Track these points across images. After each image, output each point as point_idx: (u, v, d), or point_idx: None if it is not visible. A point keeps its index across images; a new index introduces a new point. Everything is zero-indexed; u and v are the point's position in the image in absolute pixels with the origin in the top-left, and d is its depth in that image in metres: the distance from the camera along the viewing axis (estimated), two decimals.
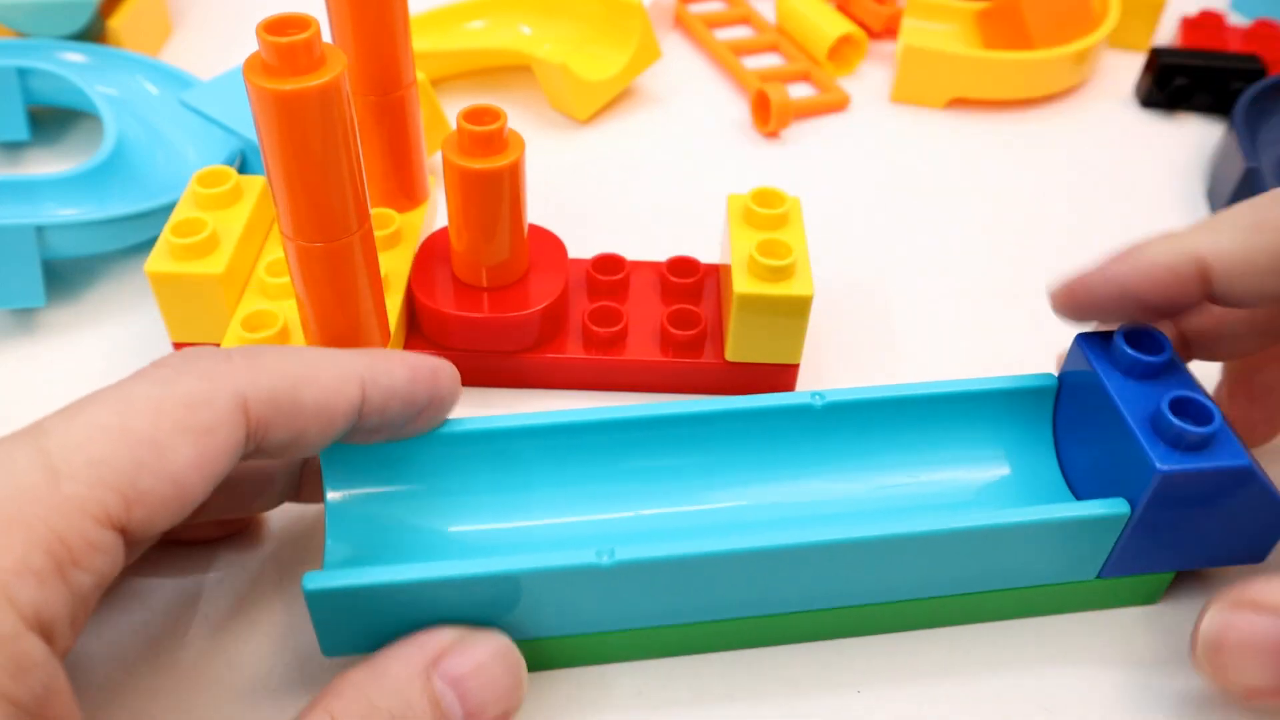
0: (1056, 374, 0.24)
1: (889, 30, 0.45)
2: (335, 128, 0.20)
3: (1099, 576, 0.23)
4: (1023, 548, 0.21)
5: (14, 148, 0.37)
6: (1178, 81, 0.41)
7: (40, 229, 0.28)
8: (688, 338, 0.28)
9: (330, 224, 0.22)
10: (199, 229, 0.26)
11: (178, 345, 0.27)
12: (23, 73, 0.35)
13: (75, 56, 0.37)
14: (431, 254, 0.29)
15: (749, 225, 0.28)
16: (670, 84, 0.43)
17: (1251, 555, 0.22)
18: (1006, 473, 0.24)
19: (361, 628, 0.19)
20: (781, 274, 0.26)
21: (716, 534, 0.20)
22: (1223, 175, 0.36)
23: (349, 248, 0.22)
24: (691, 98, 0.42)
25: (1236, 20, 0.48)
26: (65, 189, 0.31)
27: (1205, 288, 0.21)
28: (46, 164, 0.37)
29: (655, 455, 0.23)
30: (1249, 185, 0.35)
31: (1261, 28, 0.44)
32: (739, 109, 0.41)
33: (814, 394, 0.23)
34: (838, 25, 0.42)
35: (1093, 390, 0.22)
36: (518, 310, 0.27)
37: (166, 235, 0.26)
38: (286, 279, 0.26)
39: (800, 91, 0.42)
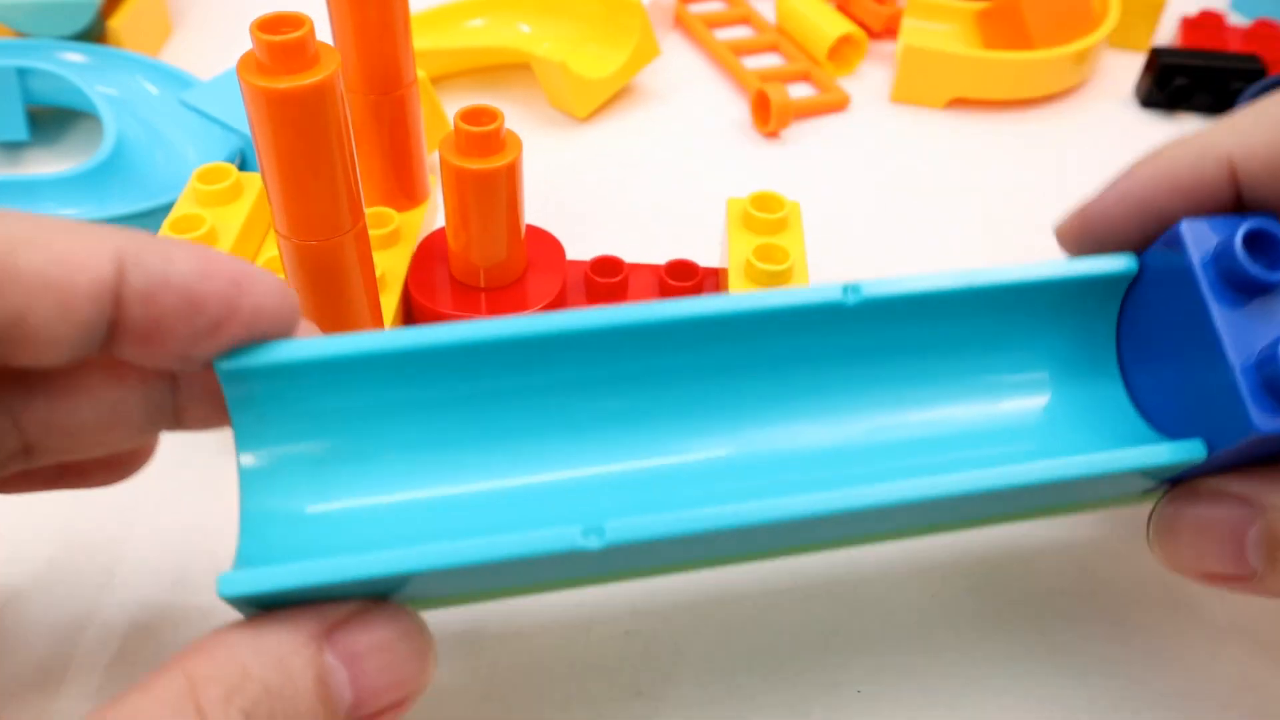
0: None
1: (889, 30, 0.45)
2: (328, 126, 0.20)
3: (1146, 492, 0.20)
4: (1079, 489, 0.19)
5: (14, 148, 0.37)
6: (1178, 81, 0.41)
7: None
8: (686, 287, 0.28)
9: (323, 222, 0.22)
10: (197, 225, 0.26)
11: None
12: (22, 73, 0.35)
13: (75, 56, 0.37)
14: (430, 253, 0.29)
15: (747, 230, 0.28)
16: (670, 83, 0.43)
17: None
18: (1061, 388, 0.21)
19: None
20: (778, 279, 0.26)
21: (716, 486, 0.18)
22: None
23: (342, 246, 0.22)
24: (691, 97, 0.42)
25: (1237, 20, 0.48)
26: (65, 189, 0.31)
27: (1234, 191, 0.18)
28: (46, 164, 0.37)
29: (637, 378, 0.19)
30: None
31: (1261, 28, 0.44)
32: (739, 109, 0.41)
33: (845, 287, 0.19)
34: (838, 25, 0.42)
35: (1182, 294, 0.18)
36: (514, 311, 0.27)
37: (165, 231, 0.26)
38: (283, 277, 0.26)
39: (800, 91, 0.42)
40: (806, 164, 0.39)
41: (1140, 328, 0.20)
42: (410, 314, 0.28)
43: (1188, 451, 0.18)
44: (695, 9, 0.47)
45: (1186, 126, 0.41)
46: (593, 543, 0.16)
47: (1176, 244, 0.18)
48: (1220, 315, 0.17)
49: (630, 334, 0.18)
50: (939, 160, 0.39)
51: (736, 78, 0.42)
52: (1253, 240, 0.17)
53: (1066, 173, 0.39)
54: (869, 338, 0.19)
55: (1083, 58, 0.41)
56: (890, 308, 0.19)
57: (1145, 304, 0.20)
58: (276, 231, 0.22)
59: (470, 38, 0.43)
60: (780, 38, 0.45)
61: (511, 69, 0.42)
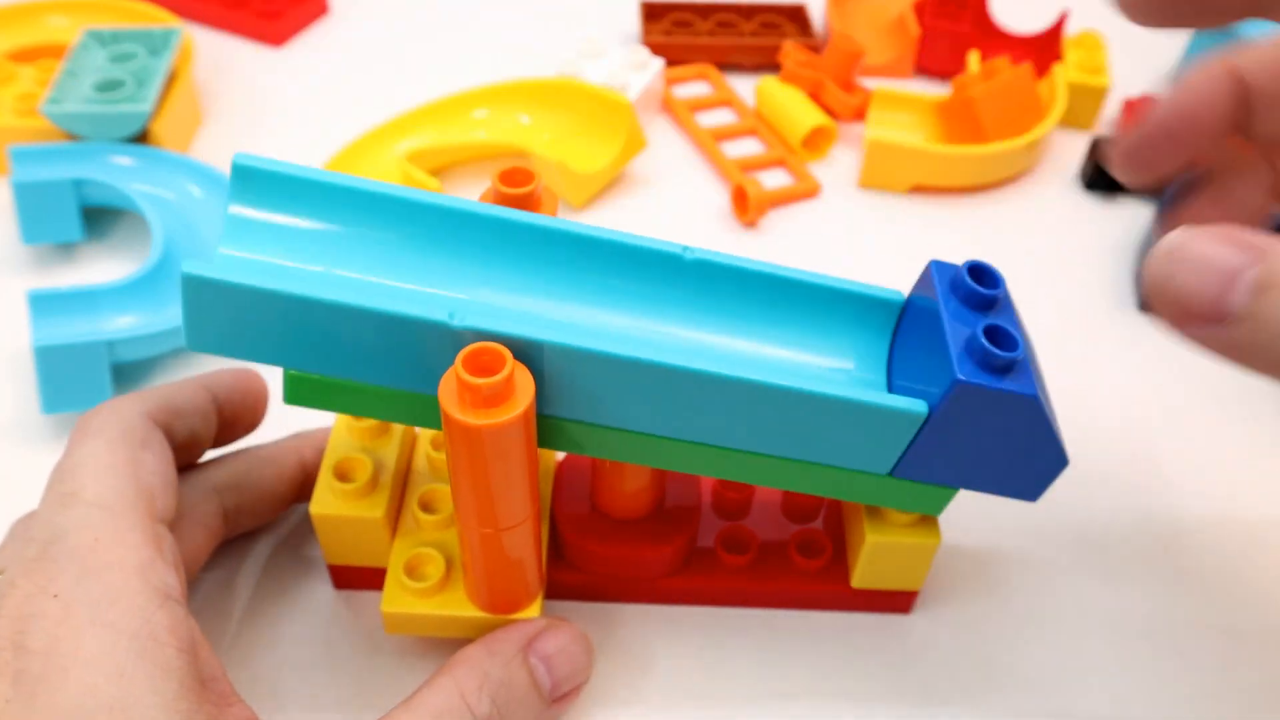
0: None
1: (858, 115, 0.49)
2: (521, 450, 0.22)
3: (890, 474, 0.25)
4: (826, 420, 0.24)
5: (68, 246, 0.41)
6: None
7: (110, 343, 0.33)
8: (816, 566, 0.30)
9: (505, 517, 0.23)
10: (359, 473, 0.27)
11: (334, 566, 0.29)
12: (78, 183, 0.39)
13: (124, 160, 0.41)
14: (570, 477, 0.30)
15: None
16: (658, 171, 0.47)
17: (1028, 491, 0.25)
18: (841, 366, 0.26)
19: (231, 329, 0.22)
20: (916, 524, 0.28)
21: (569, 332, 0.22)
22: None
23: (520, 531, 0.24)
24: (677, 185, 0.46)
25: None
26: (122, 297, 0.35)
27: (1243, 104, 0.22)
28: (98, 259, 0.41)
29: (520, 263, 0.24)
30: None
31: None
32: (721, 195, 0.46)
33: (684, 247, 0.25)
34: (811, 116, 0.47)
35: (929, 310, 0.25)
36: (655, 545, 0.29)
37: (327, 477, 0.27)
38: (437, 516, 0.28)
39: (776, 178, 0.47)
40: (782, 249, 0.43)
41: (904, 337, 0.26)
42: (554, 539, 0.30)
43: (911, 405, 0.23)
44: (681, 94, 0.51)
45: (1124, 209, 0.46)
46: (455, 321, 0.21)
47: (927, 275, 0.25)
48: (948, 310, 0.24)
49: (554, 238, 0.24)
50: (902, 241, 0.44)
51: (718, 166, 0.47)
52: (975, 271, 0.25)
53: (1015, 253, 0.43)
54: (702, 292, 0.25)
55: (1031, 148, 0.46)
56: (715, 271, 0.25)
57: (908, 321, 0.26)
58: (460, 519, 0.24)
59: (474, 129, 0.47)
60: (759, 123, 0.49)
61: (511, 157, 0.47)
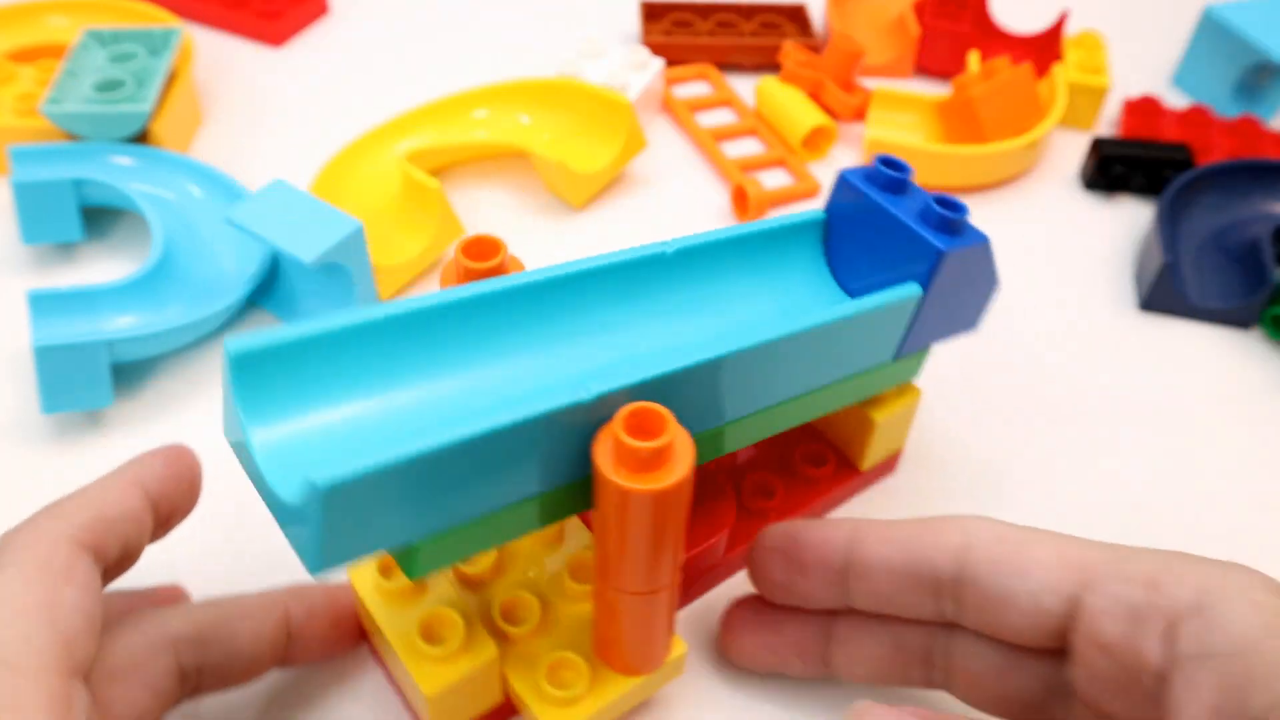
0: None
1: (858, 115, 0.49)
2: (677, 516, 0.21)
3: (895, 359, 0.28)
4: (840, 341, 0.25)
5: (68, 246, 0.41)
6: (1116, 170, 0.45)
7: (110, 343, 0.33)
8: (829, 471, 0.32)
9: (655, 580, 0.23)
10: (451, 634, 0.25)
11: None
12: (78, 183, 0.39)
13: (124, 160, 0.41)
14: None
15: None
16: (658, 170, 0.47)
17: (972, 324, 0.29)
18: (801, 296, 0.28)
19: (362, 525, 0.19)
20: (899, 390, 0.31)
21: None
22: (1147, 264, 0.41)
23: (667, 594, 0.24)
24: (677, 184, 0.46)
25: (1175, 100, 0.52)
26: (122, 297, 0.35)
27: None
28: (98, 259, 0.41)
29: (521, 326, 0.24)
30: (1166, 279, 0.39)
31: (1195, 114, 0.49)
32: (721, 195, 0.46)
33: (664, 244, 0.26)
34: (811, 116, 0.47)
35: (863, 209, 0.27)
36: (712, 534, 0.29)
37: (415, 648, 0.24)
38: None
39: (776, 178, 0.47)
40: None
41: (840, 246, 0.28)
42: None
43: (907, 291, 0.26)
44: (681, 94, 0.51)
45: (1124, 208, 0.46)
46: (586, 393, 0.20)
47: (845, 184, 0.28)
48: (887, 201, 0.27)
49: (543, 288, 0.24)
50: None
51: (718, 166, 0.47)
52: (888, 164, 0.27)
53: (1016, 253, 0.43)
54: (686, 278, 0.26)
55: (1031, 148, 0.46)
56: (693, 254, 0.26)
57: (838, 230, 0.28)
58: (601, 579, 0.23)
59: (475, 129, 0.47)
60: (759, 123, 0.49)
61: (511, 157, 0.47)
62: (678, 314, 0.26)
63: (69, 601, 0.20)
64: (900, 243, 0.26)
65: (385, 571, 0.26)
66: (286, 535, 0.20)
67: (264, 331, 0.20)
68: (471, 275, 0.24)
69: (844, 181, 0.28)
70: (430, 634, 0.25)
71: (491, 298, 0.23)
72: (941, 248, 0.25)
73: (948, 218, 0.25)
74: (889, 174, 0.27)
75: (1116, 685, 0.22)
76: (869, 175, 0.27)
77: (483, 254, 0.24)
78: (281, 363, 0.21)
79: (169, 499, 0.24)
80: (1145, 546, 0.23)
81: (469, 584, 0.27)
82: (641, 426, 0.20)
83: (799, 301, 0.28)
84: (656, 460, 0.20)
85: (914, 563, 0.24)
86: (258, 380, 0.20)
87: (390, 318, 0.22)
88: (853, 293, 0.28)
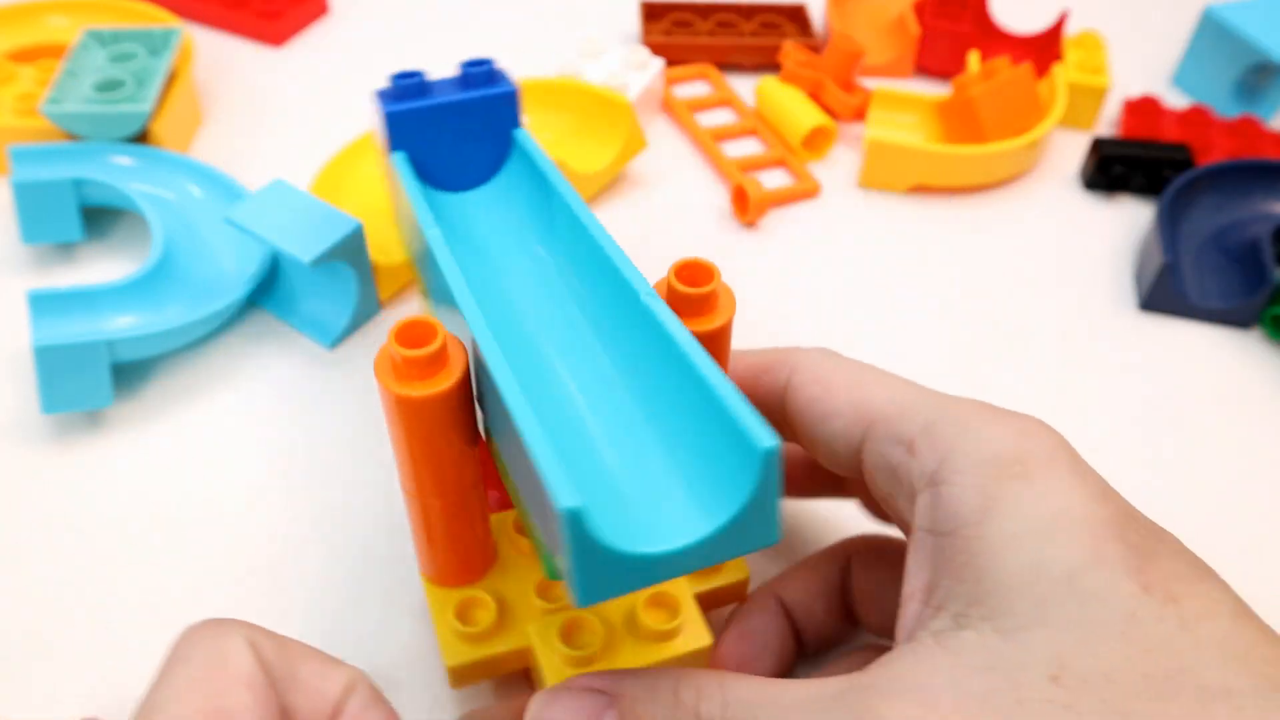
0: None
1: (858, 115, 0.49)
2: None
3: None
4: None
5: (67, 246, 0.41)
6: (1116, 170, 0.45)
7: (110, 343, 0.33)
8: None
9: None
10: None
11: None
12: (78, 183, 0.39)
13: (124, 160, 0.41)
14: None
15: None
16: (658, 170, 0.47)
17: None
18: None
19: None
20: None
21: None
22: (1147, 264, 0.41)
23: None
24: (677, 185, 0.46)
25: (1175, 100, 0.52)
26: (122, 297, 0.35)
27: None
28: (98, 259, 0.41)
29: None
30: (1166, 279, 0.39)
31: (1194, 114, 0.49)
32: (720, 196, 0.46)
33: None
34: (811, 116, 0.47)
35: (428, 121, 0.28)
36: None
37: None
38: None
39: (776, 178, 0.47)
40: (782, 249, 0.43)
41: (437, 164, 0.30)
42: None
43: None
44: (681, 94, 0.51)
45: (1124, 208, 0.46)
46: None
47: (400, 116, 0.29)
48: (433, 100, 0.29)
49: None
50: (902, 241, 0.44)
51: (718, 166, 0.47)
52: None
53: (1016, 253, 0.43)
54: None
55: (1032, 148, 0.46)
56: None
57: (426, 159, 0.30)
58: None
59: None
60: (759, 123, 0.49)
61: None
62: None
63: (241, 709, 0.19)
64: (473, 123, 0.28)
65: None
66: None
67: None
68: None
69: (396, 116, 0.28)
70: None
71: None
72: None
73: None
74: (407, 83, 0.28)
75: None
76: (399, 93, 0.28)
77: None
78: None
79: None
80: (945, 394, 0.23)
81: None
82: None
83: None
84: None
85: (750, 392, 0.25)
86: None
87: None
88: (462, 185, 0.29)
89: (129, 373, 0.36)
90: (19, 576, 0.30)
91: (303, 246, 0.34)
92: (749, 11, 0.55)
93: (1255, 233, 0.40)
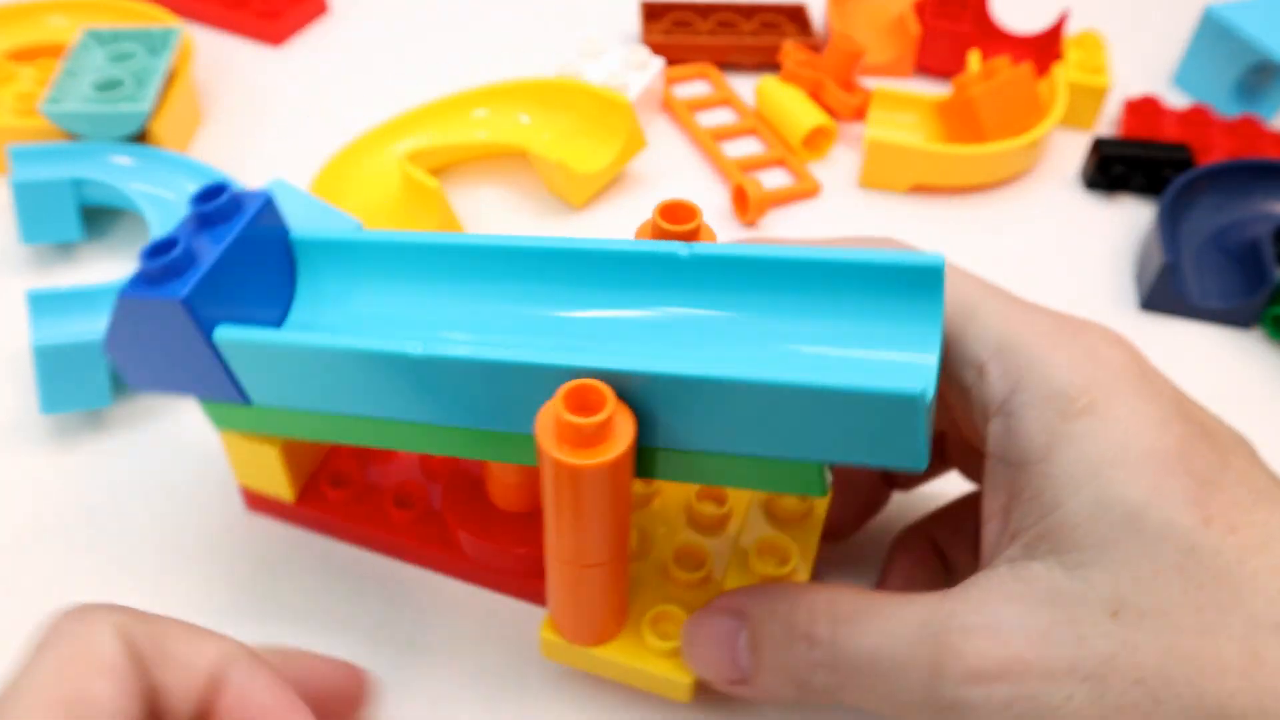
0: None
1: (858, 114, 0.49)
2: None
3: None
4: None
5: (67, 246, 0.41)
6: (1116, 170, 0.45)
7: None
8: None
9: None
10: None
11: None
12: (77, 183, 0.39)
13: (123, 159, 0.41)
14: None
15: None
16: (658, 169, 0.47)
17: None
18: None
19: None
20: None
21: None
22: (1147, 264, 0.41)
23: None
24: (677, 184, 0.46)
25: (1176, 100, 0.52)
26: None
27: None
28: (97, 258, 0.41)
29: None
30: (1167, 279, 0.39)
31: (1195, 114, 0.49)
32: (720, 195, 0.46)
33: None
34: (811, 116, 0.47)
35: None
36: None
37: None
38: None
39: (776, 178, 0.46)
40: None
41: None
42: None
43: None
44: (681, 93, 0.51)
45: (1124, 208, 0.46)
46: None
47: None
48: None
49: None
50: (902, 240, 0.44)
51: (718, 166, 0.47)
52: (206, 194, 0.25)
53: (1016, 253, 0.43)
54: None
55: (1032, 148, 0.46)
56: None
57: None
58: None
59: (475, 129, 0.47)
60: (759, 123, 0.49)
61: (511, 157, 0.47)
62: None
63: (102, 697, 0.19)
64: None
65: None
66: None
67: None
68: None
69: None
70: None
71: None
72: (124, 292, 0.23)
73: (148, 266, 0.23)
74: (198, 208, 0.24)
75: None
76: (161, 274, 0.23)
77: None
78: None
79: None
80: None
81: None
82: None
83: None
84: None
85: None
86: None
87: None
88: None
89: None
90: (19, 576, 0.30)
91: None
92: (749, 11, 0.55)
93: (1255, 233, 0.40)
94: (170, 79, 0.45)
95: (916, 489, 0.31)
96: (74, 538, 0.31)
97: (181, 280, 0.23)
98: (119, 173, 0.41)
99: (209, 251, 0.23)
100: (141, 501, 0.32)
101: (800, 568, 0.27)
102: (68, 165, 0.40)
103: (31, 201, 0.39)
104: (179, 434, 0.34)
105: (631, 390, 0.20)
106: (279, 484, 0.30)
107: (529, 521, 0.28)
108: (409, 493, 0.30)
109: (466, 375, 0.22)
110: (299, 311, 0.26)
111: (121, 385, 0.35)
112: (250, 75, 0.51)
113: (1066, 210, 0.46)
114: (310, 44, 0.54)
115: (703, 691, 0.26)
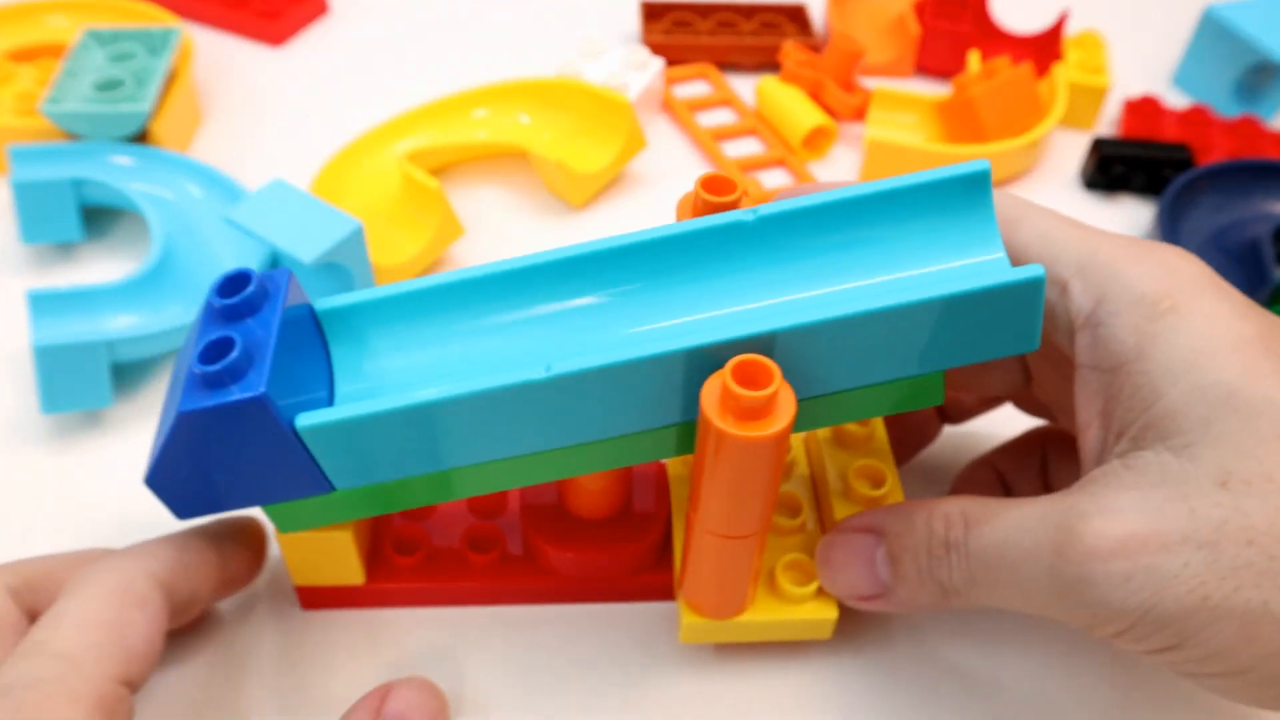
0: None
1: (858, 114, 0.49)
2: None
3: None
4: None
5: (67, 246, 0.41)
6: (1116, 170, 0.45)
7: (110, 343, 0.33)
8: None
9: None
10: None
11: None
12: (77, 183, 0.39)
13: (124, 159, 0.41)
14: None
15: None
16: (658, 169, 0.47)
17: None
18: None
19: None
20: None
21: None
22: None
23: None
24: (677, 184, 0.46)
25: (1176, 100, 0.52)
26: (121, 297, 0.35)
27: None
28: (98, 259, 0.41)
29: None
30: None
31: (1195, 114, 0.49)
32: None
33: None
34: (811, 116, 0.47)
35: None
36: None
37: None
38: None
39: (776, 178, 0.46)
40: None
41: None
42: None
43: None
44: (681, 93, 0.51)
45: (1125, 208, 0.46)
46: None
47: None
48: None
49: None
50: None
51: (718, 166, 0.47)
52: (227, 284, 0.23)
53: None
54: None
55: (1032, 148, 0.46)
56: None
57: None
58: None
59: (475, 129, 0.47)
60: (759, 123, 0.49)
61: (511, 156, 0.47)
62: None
63: (138, 624, 0.23)
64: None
65: None
66: None
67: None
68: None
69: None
70: None
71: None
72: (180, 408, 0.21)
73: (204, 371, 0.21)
74: (214, 301, 0.23)
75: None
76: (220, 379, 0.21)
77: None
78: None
79: (236, 564, 0.27)
80: (1087, 228, 0.25)
81: None
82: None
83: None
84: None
85: None
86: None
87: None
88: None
89: (129, 373, 0.36)
90: None
91: (303, 246, 0.34)
92: (749, 11, 0.55)
93: (1255, 233, 0.40)
94: (170, 79, 0.45)
95: (967, 423, 0.33)
96: (73, 538, 0.31)
97: (250, 377, 0.21)
98: (119, 173, 0.41)
99: (261, 342, 0.22)
100: (141, 501, 0.32)
101: (895, 486, 0.28)
102: (68, 165, 0.40)
103: (31, 201, 0.39)
104: None
105: (767, 353, 0.21)
106: (349, 570, 0.28)
107: (616, 524, 0.29)
108: (482, 535, 0.30)
109: (596, 386, 0.22)
110: (344, 383, 0.25)
111: (122, 385, 0.35)
112: (250, 75, 0.51)
113: (1066, 210, 0.45)
114: (310, 44, 0.54)
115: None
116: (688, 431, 0.24)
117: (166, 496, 0.24)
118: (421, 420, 0.22)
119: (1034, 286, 0.22)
